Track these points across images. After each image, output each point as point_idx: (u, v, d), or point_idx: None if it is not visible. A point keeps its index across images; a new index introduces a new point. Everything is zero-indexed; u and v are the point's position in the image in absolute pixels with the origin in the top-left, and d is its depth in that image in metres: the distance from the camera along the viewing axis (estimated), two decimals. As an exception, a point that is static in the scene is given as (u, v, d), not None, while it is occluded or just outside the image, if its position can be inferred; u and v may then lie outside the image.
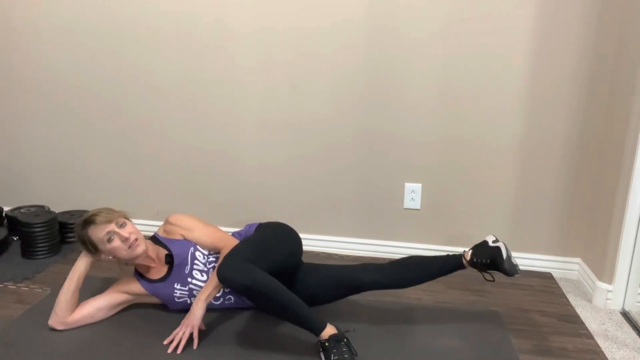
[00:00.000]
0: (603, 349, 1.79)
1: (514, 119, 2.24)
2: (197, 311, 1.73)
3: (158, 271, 1.90)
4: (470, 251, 1.86)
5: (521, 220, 2.36)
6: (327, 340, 1.60)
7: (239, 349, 1.74)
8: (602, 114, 2.17)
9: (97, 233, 1.76)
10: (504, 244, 1.82)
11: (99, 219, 1.75)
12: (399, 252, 2.49)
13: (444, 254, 2.43)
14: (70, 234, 2.56)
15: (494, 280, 1.83)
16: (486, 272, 1.84)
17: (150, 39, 2.45)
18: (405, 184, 2.41)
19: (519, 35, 2.14)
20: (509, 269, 1.76)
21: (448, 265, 1.87)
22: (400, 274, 1.84)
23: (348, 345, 1.60)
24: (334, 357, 1.55)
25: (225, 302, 1.93)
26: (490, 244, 1.84)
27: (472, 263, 1.84)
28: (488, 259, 1.80)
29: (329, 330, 1.62)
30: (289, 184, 2.52)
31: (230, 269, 1.60)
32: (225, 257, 1.65)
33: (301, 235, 1.99)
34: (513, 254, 2.38)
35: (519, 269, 1.80)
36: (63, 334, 1.80)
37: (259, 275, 1.59)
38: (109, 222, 1.76)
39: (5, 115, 2.71)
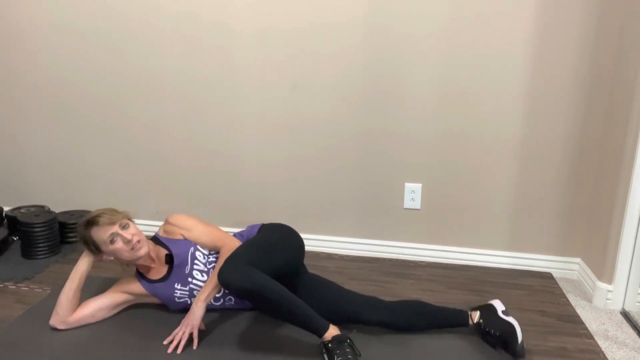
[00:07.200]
0: (603, 349, 1.80)
1: (514, 118, 2.24)
2: (197, 311, 1.73)
3: (158, 271, 1.90)
4: (478, 314, 1.79)
5: (521, 220, 2.36)
6: (330, 341, 1.59)
7: (239, 349, 1.73)
8: (602, 114, 2.17)
9: (100, 234, 1.76)
10: (517, 323, 1.72)
11: (102, 220, 1.76)
12: (398, 252, 2.50)
13: (445, 257, 2.47)
14: (70, 234, 2.56)
15: (495, 349, 1.75)
16: (490, 339, 1.76)
17: (150, 39, 2.45)
18: (405, 184, 2.42)
19: (519, 35, 2.14)
20: (519, 354, 1.68)
21: (453, 320, 1.82)
22: (405, 318, 1.80)
23: (351, 346, 1.60)
24: (337, 358, 1.55)
25: (226, 303, 1.93)
26: (501, 314, 1.76)
27: (479, 329, 1.77)
28: (498, 332, 1.72)
29: (332, 332, 1.62)
30: (289, 183, 2.52)
31: (232, 273, 1.59)
32: (227, 261, 1.64)
33: (301, 235, 1.98)
34: (512, 254, 2.39)
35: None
36: (63, 333, 1.80)
37: (261, 278, 1.59)
38: (112, 223, 1.76)
39: (6, 115, 2.71)
